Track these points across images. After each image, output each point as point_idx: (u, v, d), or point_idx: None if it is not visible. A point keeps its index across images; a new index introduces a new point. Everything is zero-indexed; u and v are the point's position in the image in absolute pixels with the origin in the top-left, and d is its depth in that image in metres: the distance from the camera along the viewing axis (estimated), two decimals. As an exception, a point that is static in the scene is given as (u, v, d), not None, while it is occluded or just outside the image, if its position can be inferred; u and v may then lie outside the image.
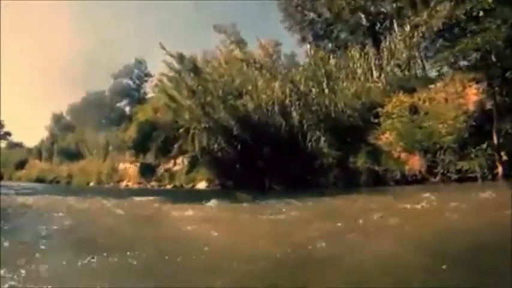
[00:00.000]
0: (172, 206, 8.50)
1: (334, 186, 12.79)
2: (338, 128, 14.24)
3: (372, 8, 20.71)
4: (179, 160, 20.94)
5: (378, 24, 21.23)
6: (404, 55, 15.91)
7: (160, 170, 22.26)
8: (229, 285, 3.04)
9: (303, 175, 13.46)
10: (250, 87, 16.99)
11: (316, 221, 5.72)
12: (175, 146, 19.97)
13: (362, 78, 16.04)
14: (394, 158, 12.58)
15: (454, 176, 11.19)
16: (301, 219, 6.21)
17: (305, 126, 14.74)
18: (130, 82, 45.19)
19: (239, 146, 15.85)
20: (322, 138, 14.05)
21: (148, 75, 41.96)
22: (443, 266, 3.02)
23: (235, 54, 18.75)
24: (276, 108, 15.70)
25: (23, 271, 3.22)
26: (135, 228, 5.99)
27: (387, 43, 16.55)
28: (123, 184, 24.38)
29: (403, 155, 12.48)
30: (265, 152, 14.91)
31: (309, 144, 14.32)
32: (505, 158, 10.78)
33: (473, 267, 3.06)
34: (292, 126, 15.08)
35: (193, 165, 19.19)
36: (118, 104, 45.25)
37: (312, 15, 24.09)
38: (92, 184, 27.30)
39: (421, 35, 14.77)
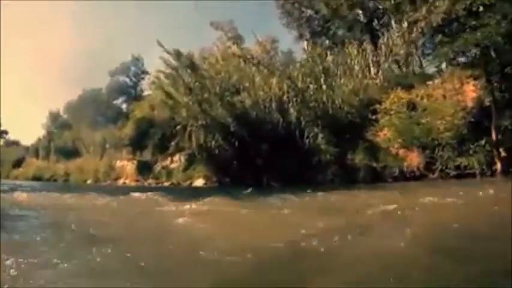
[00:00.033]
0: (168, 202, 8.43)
1: (332, 183, 12.72)
2: (336, 125, 14.19)
3: (371, 4, 20.60)
4: (176, 157, 20.86)
5: (376, 21, 21.13)
6: (402, 51, 15.83)
7: (158, 167, 22.17)
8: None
9: (301, 172, 13.40)
10: (247, 84, 16.92)
11: (313, 217, 5.66)
12: (173, 143, 19.91)
13: (360, 75, 15.96)
14: (392, 154, 12.55)
15: (453, 173, 11.18)
16: (298, 214, 6.16)
17: (303, 123, 14.68)
18: (127, 79, 44.96)
19: (236, 143, 15.78)
20: (320, 135, 14.00)
21: (145, 72, 41.64)
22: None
23: (233, 50, 18.66)
24: (274, 104, 15.64)
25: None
26: (129, 223, 5.96)
27: (385, 39, 16.48)
28: (121, 182, 24.25)
29: (401, 151, 12.45)
30: (263, 149, 14.86)
31: (307, 140, 14.26)
32: (503, 154, 10.78)
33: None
34: (289, 123, 15.02)
35: (190, 162, 19.12)
36: (115, 102, 45.01)
37: (309, 12, 23.96)
38: (89, 182, 27.16)
39: (420, 30, 14.68)
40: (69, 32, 70.45)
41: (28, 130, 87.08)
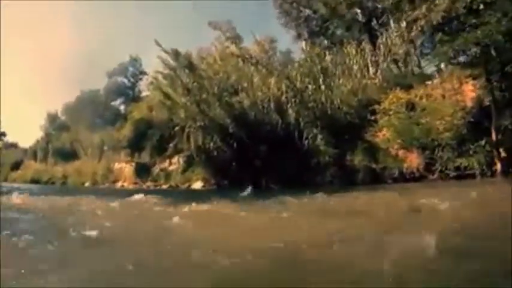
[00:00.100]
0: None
1: (331, 184, 12.66)
2: (335, 126, 14.12)
3: (369, 3, 20.53)
4: (175, 159, 20.76)
5: (374, 20, 21.06)
6: (401, 51, 15.77)
7: (156, 169, 22.06)
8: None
9: (300, 173, 13.32)
10: (245, 84, 16.84)
11: (313, 220, 5.59)
12: (171, 145, 19.83)
13: (358, 75, 15.89)
14: (391, 155, 12.48)
15: (453, 173, 11.11)
16: (297, 217, 6.09)
17: (301, 124, 14.59)
18: (125, 80, 44.80)
19: (235, 145, 15.69)
20: (319, 136, 13.92)
21: (143, 73, 41.48)
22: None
23: (231, 50, 18.58)
24: (272, 105, 15.56)
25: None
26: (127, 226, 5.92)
27: (384, 39, 16.41)
28: (119, 184, 24.14)
29: (400, 152, 12.37)
30: (262, 150, 14.78)
31: (306, 142, 14.19)
32: (503, 154, 10.70)
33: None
34: (288, 124, 14.94)
35: (189, 164, 19.02)
36: (113, 103, 44.84)
37: (307, 11, 23.88)
38: (87, 184, 27.06)
39: (419, 29, 14.60)
40: (69, 32, 70.41)
41: (26, 132, 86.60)
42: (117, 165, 26.06)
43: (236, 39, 23.99)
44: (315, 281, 2.90)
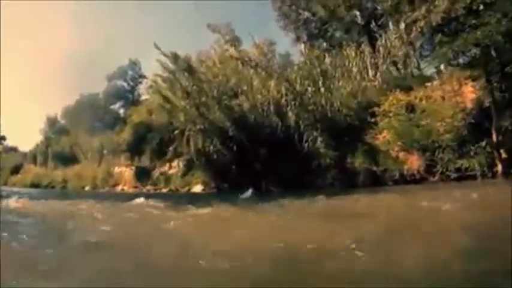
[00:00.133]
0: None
1: (331, 187, 12.62)
2: (335, 128, 14.08)
3: (369, 5, 20.55)
4: (175, 163, 20.70)
5: (373, 23, 21.09)
6: (400, 53, 15.77)
7: (156, 173, 21.99)
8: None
9: (300, 176, 13.28)
10: (245, 87, 16.81)
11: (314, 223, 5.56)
12: (171, 148, 19.77)
13: (358, 77, 15.88)
14: (392, 157, 12.45)
15: (453, 175, 11.07)
16: (298, 221, 6.07)
17: (301, 127, 14.54)
18: (125, 84, 44.80)
19: (235, 148, 15.65)
20: (319, 139, 13.87)
21: (142, 76, 41.53)
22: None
23: (230, 53, 18.56)
24: (272, 108, 15.51)
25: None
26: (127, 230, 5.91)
27: (383, 41, 16.41)
28: (119, 188, 24.06)
29: (401, 154, 12.34)
30: (262, 153, 14.73)
31: (306, 144, 14.13)
32: (504, 155, 10.67)
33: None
34: (288, 127, 14.90)
35: (188, 168, 18.97)
36: (112, 107, 44.85)
37: (306, 14, 23.93)
38: (87, 189, 26.98)
39: (419, 30, 14.60)
40: (69, 32, 70.38)
41: (26, 135, 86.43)
42: (117, 169, 25.99)
43: (235, 41, 23.99)
44: (314, 283, 2.91)
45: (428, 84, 13.44)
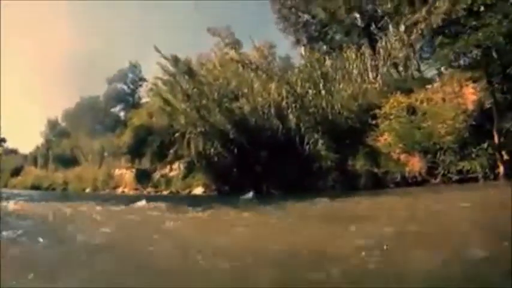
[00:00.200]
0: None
1: (332, 189, 12.59)
2: (335, 130, 14.06)
3: (369, 7, 20.58)
4: (175, 165, 20.70)
5: (373, 25, 21.12)
6: (401, 55, 15.77)
7: (157, 175, 22.00)
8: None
9: (301, 179, 13.25)
10: (246, 90, 16.80)
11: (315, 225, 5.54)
12: (171, 151, 19.74)
13: (358, 80, 15.89)
14: (393, 159, 12.42)
15: (455, 177, 11.04)
16: (299, 224, 6.05)
17: (302, 129, 14.52)
18: (125, 87, 44.91)
19: (236, 150, 15.61)
20: (320, 141, 13.85)
21: (142, 79, 41.61)
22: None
23: (231, 55, 18.59)
24: (273, 110, 15.49)
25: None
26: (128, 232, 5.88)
27: (383, 43, 16.43)
28: (119, 190, 24.07)
29: (402, 156, 12.31)
30: (262, 156, 14.70)
31: (307, 147, 14.11)
32: (506, 157, 10.66)
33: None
34: (289, 129, 14.87)
35: (189, 170, 18.95)
36: (112, 109, 44.95)
37: (306, 16, 23.97)
38: (87, 191, 27.02)
39: (419, 32, 14.60)
40: (69, 32, 70.74)
41: (26, 136, 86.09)
42: (117, 172, 26.02)
43: (235, 44, 24.04)
44: (315, 286, 2.89)
45: (429, 86, 13.44)
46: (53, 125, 48.47)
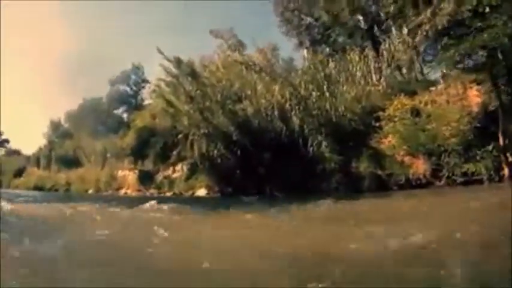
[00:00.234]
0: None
1: (336, 191, 12.54)
2: (339, 132, 14.04)
3: (373, 8, 20.56)
4: (178, 167, 20.69)
5: (376, 27, 21.09)
6: (404, 57, 15.74)
7: (160, 177, 21.99)
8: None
9: (304, 180, 13.23)
10: (249, 92, 16.81)
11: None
12: (174, 152, 19.74)
13: (362, 82, 15.86)
14: (397, 161, 12.39)
15: (460, 179, 10.98)
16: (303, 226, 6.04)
17: (306, 131, 14.51)
18: (128, 88, 45.03)
19: (239, 152, 15.62)
20: (324, 143, 13.83)
21: (145, 81, 41.71)
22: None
23: (234, 57, 18.60)
24: (276, 112, 15.49)
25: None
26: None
27: (386, 45, 16.40)
28: (122, 192, 24.08)
29: (406, 158, 12.27)
30: (266, 158, 14.70)
31: (310, 149, 14.09)
32: (511, 159, 10.58)
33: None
34: (292, 131, 14.86)
35: (192, 171, 18.94)
36: (115, 111, 45.09)
37: (309, 19, 23.96)
38: (90, 192, 27.04)
39: (424, 33, 14.56)
40: (69, 32, 70.76)
41: (28, 137, 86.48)
42: (120, 173, 26.03)
43: (239, 46, 24.03)
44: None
45: (433, 88, 13.40)
46: (55, 126, 48.61)
